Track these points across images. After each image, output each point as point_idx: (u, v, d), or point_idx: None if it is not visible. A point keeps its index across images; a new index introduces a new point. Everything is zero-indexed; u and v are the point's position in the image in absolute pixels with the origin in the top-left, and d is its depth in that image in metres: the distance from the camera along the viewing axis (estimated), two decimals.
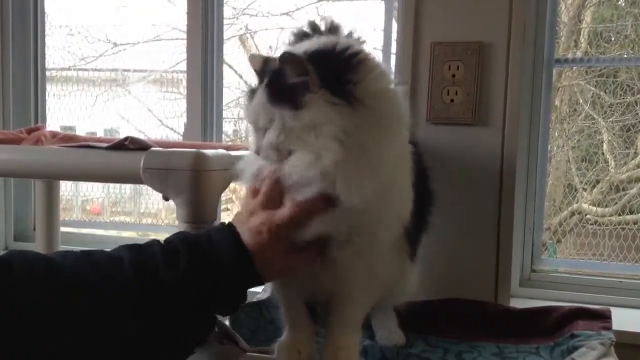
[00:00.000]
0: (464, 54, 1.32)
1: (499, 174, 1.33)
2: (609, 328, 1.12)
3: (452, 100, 1.34)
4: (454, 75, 1.33)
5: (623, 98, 1.63)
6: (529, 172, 1.52)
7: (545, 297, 1.47)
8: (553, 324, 1.19)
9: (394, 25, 1.51)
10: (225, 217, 1.85)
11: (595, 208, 1.66)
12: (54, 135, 1.46)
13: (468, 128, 1.34)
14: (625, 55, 1.61)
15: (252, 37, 2.07)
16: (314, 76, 0.74)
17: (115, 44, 2.13)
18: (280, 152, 0.78)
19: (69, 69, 2.13)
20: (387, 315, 1.16)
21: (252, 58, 0.85)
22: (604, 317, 1.16)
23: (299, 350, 0.90)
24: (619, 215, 1.65)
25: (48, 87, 2.05)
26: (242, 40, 2.07)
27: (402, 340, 1.15)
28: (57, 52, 2.09)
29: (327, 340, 0.90)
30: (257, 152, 0.81)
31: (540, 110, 1.50)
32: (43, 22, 1.99)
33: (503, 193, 1.33)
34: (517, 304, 1.37)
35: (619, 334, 1.21)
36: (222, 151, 0.97)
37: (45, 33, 2.01)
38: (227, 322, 1.04)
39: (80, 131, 2.18)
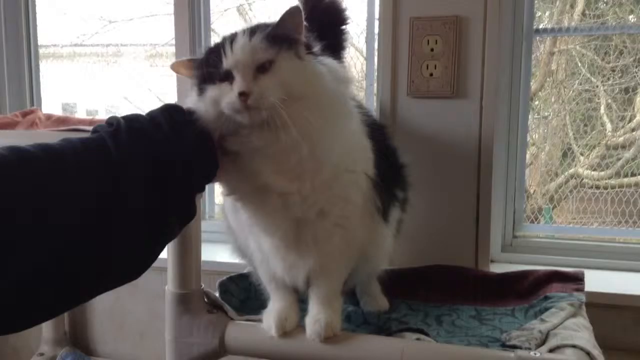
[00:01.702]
0: (441, 28, 1.35)
1: (478, 144, 1.37)
2: (581, 290, 1.17)
3: (431, 75, 1.37)
4: (432, 50, 1.36)
5: (618, 61, 1.63)
6: (510, 141, 1.55)
7: (525, 262, 1.52)
8: (529, 287, 1.25)
9: (377, 3, 1.52)
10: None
11: (591, 172, 1.68)
12: (48, 117, 1.50)
13: (447, 101, 1.38)
14: (616, 21, 1.61)
15: (249, 9, 2.07)
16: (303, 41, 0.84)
17: (110, 21, 2.14)
18: (279, 98, 0.78)
19: (60, 46, 2.15)
20: (370, 282, 1.22)
21: (179, 65, 0.88)
22: (576, 280, 1.21)
23: (286, 317, 0.96)
24: (608, 179, 1.67)
25: (46, 65, 2.07)
26: (241, 11, 2.08)
27: (386, 305, 1.21)
28: (53, 29, 2.10)
29: (309, 312, 0.96)
30: (247, 92, 0.77)
31: (520, 81, 1.53)
32: (34, 0, 2.00)
33: (482, 162, 1.38)
34: (497, 268, 1.43)
35: (595, 295, 1.27)
36: None
37: (39, 10, 2.01)
38: (216, 294, 1.10)
39: (82, 108, 2.22)
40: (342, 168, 0.89)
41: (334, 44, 1.27)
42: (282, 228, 0.91)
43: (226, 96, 0.80)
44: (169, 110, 0.82)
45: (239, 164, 0.85)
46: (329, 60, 0.90)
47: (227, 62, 0.80)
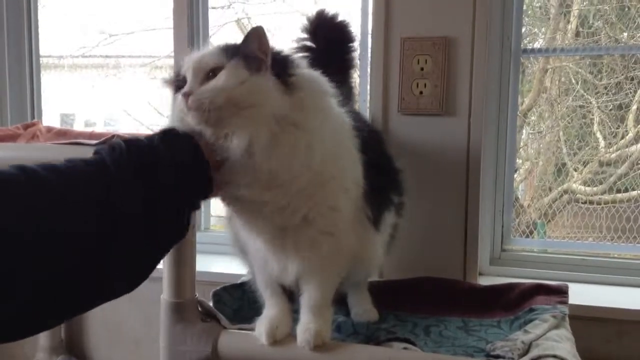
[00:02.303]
0: (431, 48, 1.40)
1: (466, 160, 1.41)
2: (565, 302, 1.20)
3: (421, 93, 1.42)
4: (422, 69, 1.41)
5: (611, 79, 1.67)
6: (499, 157, 1.59)
7: (513, 275, 1.55)
8: (514, 299, 1.28)
9: (370, 21, 1.57)
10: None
11: (585, 187, 1.72)
12: (49, 130, 1.54)
13: (436, 118, 1.42)
14: (607, 40, 1.66)
15: (248, 22, 2.12)
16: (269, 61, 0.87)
17: (110, 35, 2.19)
18: (218, 102, 0.82)
19: (61, 57, 2.19)
20: (361, 293, 1.25)
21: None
22: (560, 293, 1.25)
23: (277, 326, 0.99)
24: (601, 195, 1.70)
25: (46, 76, 2.10)
26: (240, 25, 2.12)
27: (375, 316, 1.24)
28: (54, 40, 2.14)
29: (300, 321, 0.99)
30: (188, 92, 0.83)
31: (508, 99, 1.57)
32: (36, 12, 2.03)
33: (470, 178, 1.42)
34: (485, 281, 1.46)
35: (580, 308, 1.31)
36: None
37: (42, 22, 2.04)
38: (210, 303, 1.13)
39: (80, 119, 2.25)
40: (327, 176, 0.92)
41: (341, 61, 1.32)
42: (266, 233, 0.95)
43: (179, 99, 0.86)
44: (167, 140, 0.84)
45: (222, 171, 0.88)
46: (313, 73, 0.94)
47: (182, 71, 0.88)
